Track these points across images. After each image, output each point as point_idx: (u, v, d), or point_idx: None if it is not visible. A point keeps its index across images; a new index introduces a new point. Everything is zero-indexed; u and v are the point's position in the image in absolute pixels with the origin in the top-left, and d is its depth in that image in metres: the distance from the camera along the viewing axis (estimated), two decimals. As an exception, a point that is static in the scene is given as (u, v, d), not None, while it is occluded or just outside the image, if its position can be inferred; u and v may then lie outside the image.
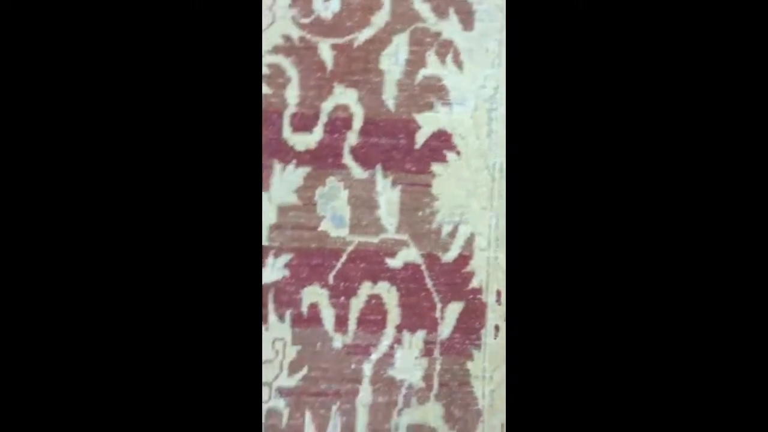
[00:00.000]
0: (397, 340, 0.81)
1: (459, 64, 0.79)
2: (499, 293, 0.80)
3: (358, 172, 0.78)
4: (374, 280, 0.80)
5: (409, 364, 0.81)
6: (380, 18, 0.77)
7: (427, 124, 0.79)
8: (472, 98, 0.79)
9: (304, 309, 0.79)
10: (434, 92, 0.79)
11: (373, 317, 0.80)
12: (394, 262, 0.80)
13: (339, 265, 0.79)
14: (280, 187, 0.78)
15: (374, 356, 0.80)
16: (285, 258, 0.78)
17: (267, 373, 0.79)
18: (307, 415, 0.80)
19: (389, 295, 0.80)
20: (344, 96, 0.77)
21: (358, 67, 0.77)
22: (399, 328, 0.80)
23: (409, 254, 0.80)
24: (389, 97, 0.78)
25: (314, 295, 0.79)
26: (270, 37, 0.76)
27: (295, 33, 0.76)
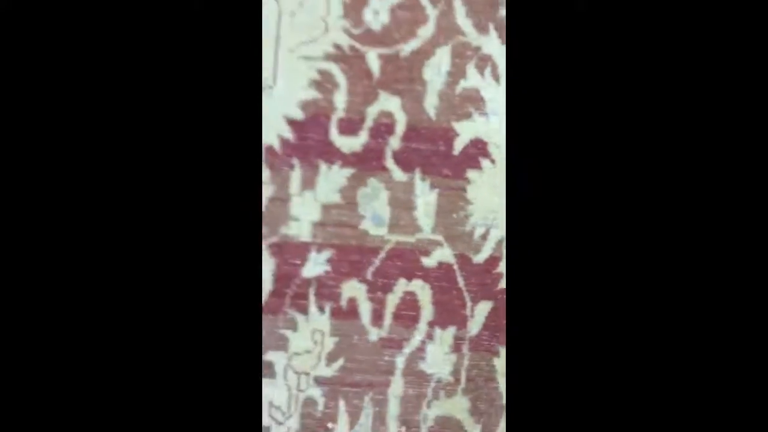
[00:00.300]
0: (429, 336, 0.85)
1: (497, 77, 0.84)
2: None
3: (398, 175, 0.83)
4: (409, 278, 0.84)
5: (439, 358, 0.85)
6: (425, 31, 0.82)
7: (465, 132, 0.84)
8: (507, 110, 0.85)
9: (343, 303, 0.83)
10: (473, 103, 0.84)
11: (408, 313, 0.85)
12: (429, 261, 0.84)
13: (377, 262, 0.84)
14: (325, 186, 0.82)
15: (407, 350, 0.85)
16: (326, 254, 0.83)
17: (306, 363, 0.83)
18: (341, 404, 0.84)
19: (423, 292, 0.85)
20: (389, 103, 0.82)
21: (403, 76, 0.82)
22: (431, 324, 0.85)
23: (443, 254, 0.85)
24: (430, 105, 0.83)
25: (353, 289, 0.83)
26: (322, 45, 0.80)
27: (346, 42, 0.81)
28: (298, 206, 0.82)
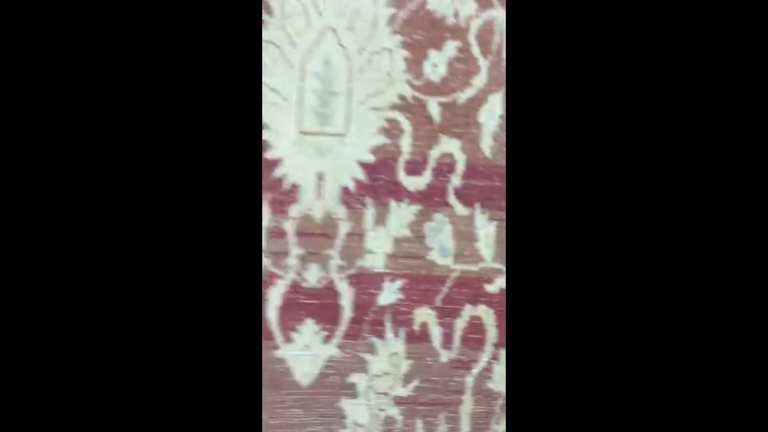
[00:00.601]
0: (494, 357, 0.93)
1: (544, 119, 0.94)
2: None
3: (460, 209, 0.92)
4: (474, 303, 0.92)
5: (504, 377, 0.92)
6: (479, 81, 0.92)
7: (518, 169, 0.93)
8: (554, 148, 0.94)
9: (416, 327, 0.91)
10: (524, 142, 0.93)
11: (474, 336, 0.93)
12: (492, 288, 0.93)
13: (445, 289, 0.92)
14: (396, 222, 0.91)
15: (475, 370, 0.92)
16: (399, 283, 0.91)
17: (385, 384, 0.91)
18: (418, 422, 0.91)
19: (487, 316, 0.93)
20: (449, 145, 0.92)
21: (461, 121, 0.92)
22: (496, 346, 0.93)
23: (504, 281, 0.93)
24: (486, 146, 0.92)
25: (424, 315, 0.91)
26: (388, 97, 0.90)
27: (409, 93, 0.91)
28: (373, 240, 0.90)
